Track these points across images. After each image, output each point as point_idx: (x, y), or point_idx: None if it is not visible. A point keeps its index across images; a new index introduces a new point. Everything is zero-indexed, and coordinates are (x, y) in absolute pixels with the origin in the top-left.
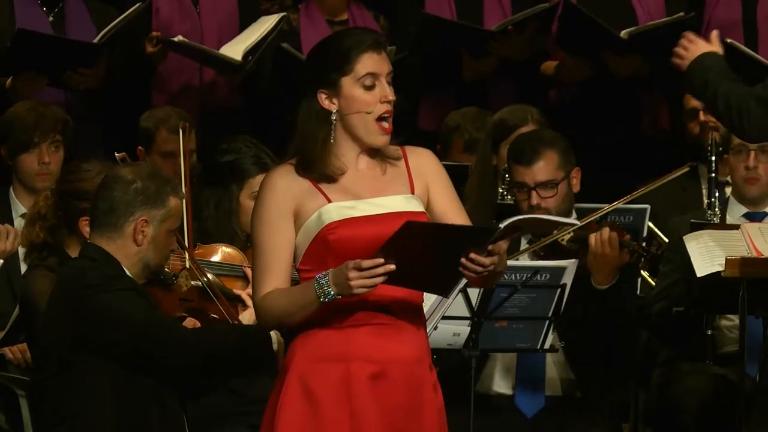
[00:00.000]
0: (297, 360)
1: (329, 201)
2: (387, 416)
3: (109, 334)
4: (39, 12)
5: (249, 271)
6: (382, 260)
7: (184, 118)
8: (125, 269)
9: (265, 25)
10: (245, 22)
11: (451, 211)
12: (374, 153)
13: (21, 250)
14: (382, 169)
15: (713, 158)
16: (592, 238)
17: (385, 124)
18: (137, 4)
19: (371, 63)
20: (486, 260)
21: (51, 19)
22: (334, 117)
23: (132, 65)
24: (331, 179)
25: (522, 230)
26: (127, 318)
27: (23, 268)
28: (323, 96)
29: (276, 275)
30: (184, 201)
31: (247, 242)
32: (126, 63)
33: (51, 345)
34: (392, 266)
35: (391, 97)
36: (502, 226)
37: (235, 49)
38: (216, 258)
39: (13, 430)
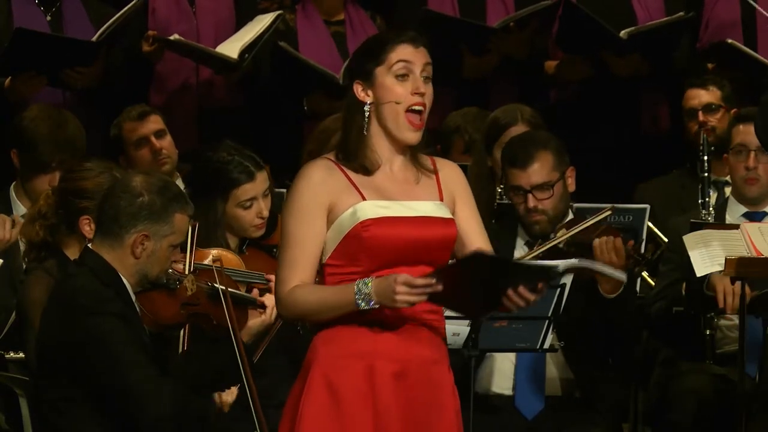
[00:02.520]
0: (321, 356)
1: (364, 199)
2: (408, 415)
3: (87, 359)
4: (36, 11)
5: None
6: (434, 281)
7: (144, 109)
8: (123, 278)
9: (261, 23)
10: (241, 22)
11: (474, 232)
12: (407, 158)
13: (22, 247)
14: (414, 175)
15: (705, 158)
16: (597, 245)
17: (415, 119)
18: (134, 1)
19: (405, 53)
20: (531, 296)
21: (48, 18)
22: (367, 108)
23: (129, 65)
24: (367, 173)
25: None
26: (104, 349)
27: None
28: (359, 87)
29: (303, 269)
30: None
31: (239, 249)
32: (124, 62)
33: (45, 354)
34: (440, 287)
35: (423, 89)
36: (560, 269)
37: (232, 48)
38: (211, 261)
39: (13, 430)
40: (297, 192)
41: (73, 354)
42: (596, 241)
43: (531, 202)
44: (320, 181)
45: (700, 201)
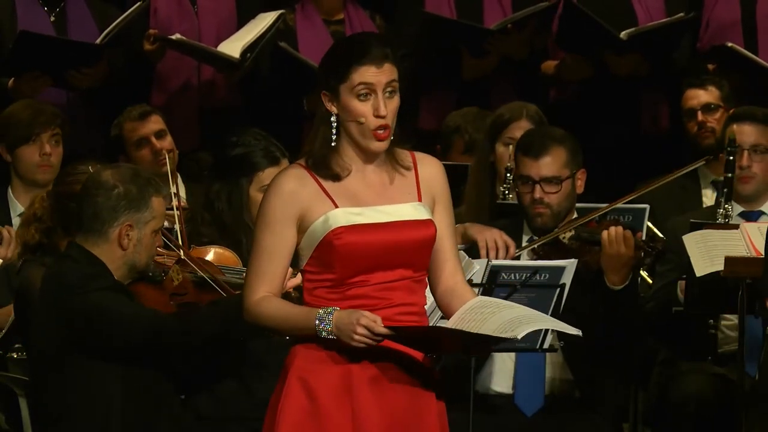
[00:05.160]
0: (298, 360)
1: (336, 206)
2: (388, 418)
3: (95, 333)
4: (40, 12)
5: None
6: (393, 333)
7: (145, 109)
8: (110, 271)
9: (263, 22)
10: (243, 21)
11: (444, 237)
12: (382, 157)
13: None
14: (390, 176)
15: (730, 158)
16: (605, 236)
17: (380, 133)
18: (138, 3)
19: (368, 75)
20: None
21: (52, 19)
22: (334, 119)
23: (131, 64)
24: (338, 179)
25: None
26: (108, 316)
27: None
28: (326, 98)
29: (270, 280)
30: (174, 199)
31: None
32: (125, 62)
33: (42, 346)
34: (396, 335)
35: (383, 112)
36: (519, 336)
37: (233, 47)
38: (209, 259)
39: (13, 430)
40: (268, 202)
41: (74, 335)
42: (605, 233)
43: (537, 193)
44: (291, 192)
45: (714, 201)
